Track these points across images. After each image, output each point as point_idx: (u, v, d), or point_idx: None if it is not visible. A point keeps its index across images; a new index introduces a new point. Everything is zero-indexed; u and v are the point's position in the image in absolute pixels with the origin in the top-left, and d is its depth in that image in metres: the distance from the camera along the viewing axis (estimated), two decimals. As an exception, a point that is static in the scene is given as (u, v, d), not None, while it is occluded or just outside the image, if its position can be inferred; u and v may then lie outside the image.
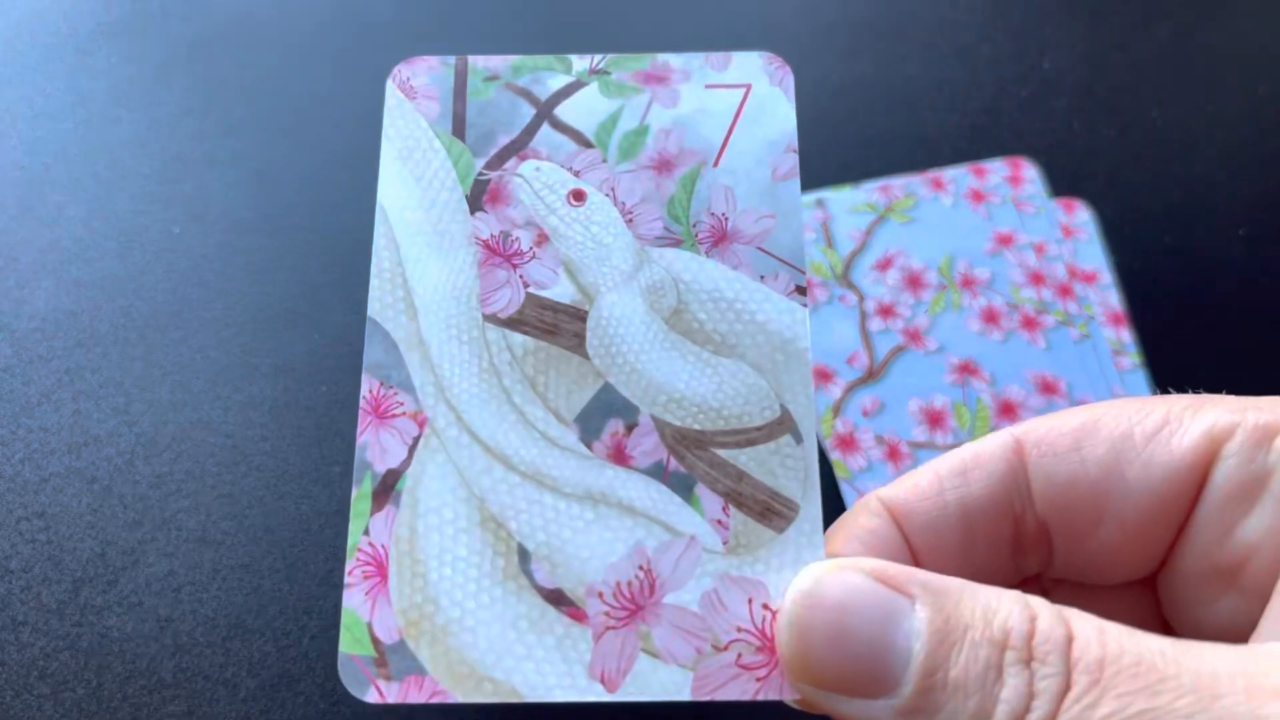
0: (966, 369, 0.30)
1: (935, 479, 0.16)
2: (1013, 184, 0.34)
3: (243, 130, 0.35)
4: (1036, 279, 0.32)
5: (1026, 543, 0.16)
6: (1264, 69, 0.38)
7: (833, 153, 0.35)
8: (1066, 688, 0.12)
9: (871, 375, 0.30)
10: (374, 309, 0.16)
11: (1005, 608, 0.13)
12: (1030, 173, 0.34)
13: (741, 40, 0.38)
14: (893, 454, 0.29)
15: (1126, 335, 0.31)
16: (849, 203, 0.33)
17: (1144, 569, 0.16)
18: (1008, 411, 0.30)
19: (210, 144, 0.35)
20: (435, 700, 0.14)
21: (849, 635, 0.14)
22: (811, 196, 0.34)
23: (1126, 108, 0.37)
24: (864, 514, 0.16)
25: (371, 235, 0.35)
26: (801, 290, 0.16)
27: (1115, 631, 0.13)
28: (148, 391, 0.30)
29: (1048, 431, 0.16)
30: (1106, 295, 0.32)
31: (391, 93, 0.17)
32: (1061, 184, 0.34)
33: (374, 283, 0.16)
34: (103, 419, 0.30)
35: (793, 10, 0.39)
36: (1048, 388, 0.30)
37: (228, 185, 0.34)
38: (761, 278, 0.16)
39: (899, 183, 0.34)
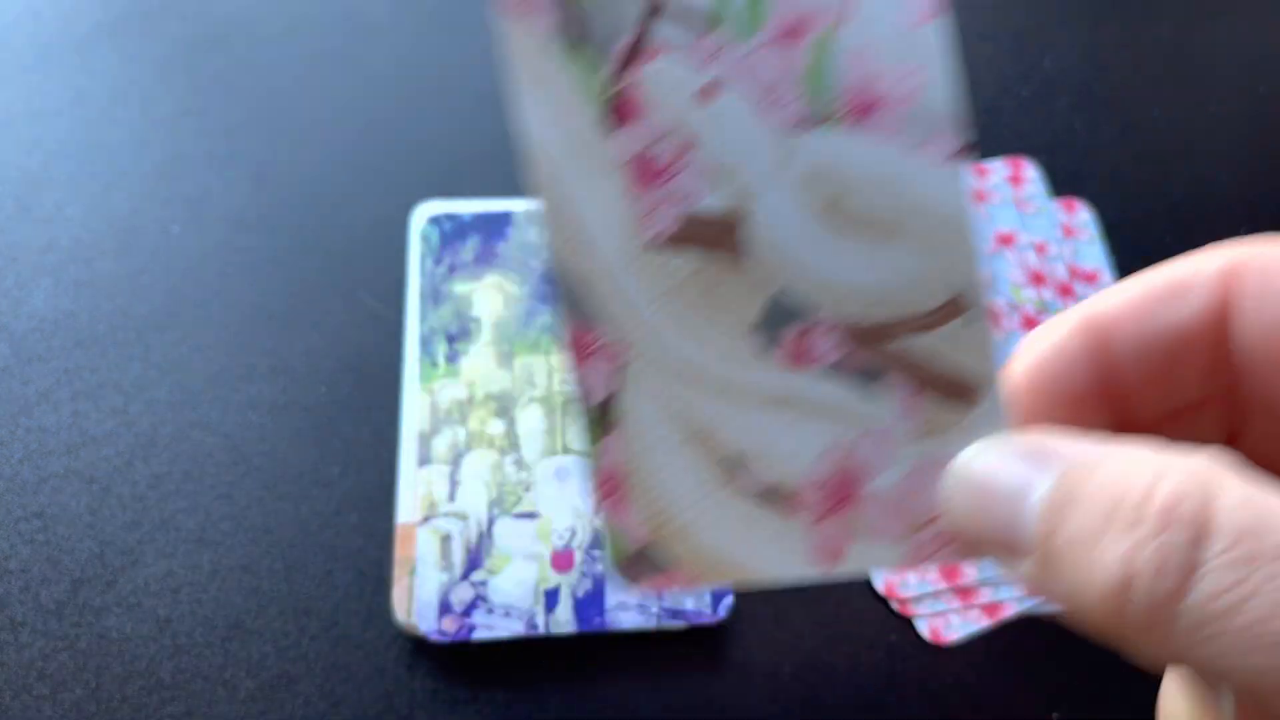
0: None
1: (1147, 299, 0.15)
2: (1013, 184, 0.34)
3: (241, 130, 0.35)
4: (1037, 279, 0.32)
5: (1222, 388, 0.15)
6: (1264, 69, 0.38)
7: (833, 152, 0.35)
8: (1197, 561, 0.11)
9: None
10: (556, 250, 0.16)
11: (1143, 470, 0.12)
12: (1031, 172, 0.34)
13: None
14: None
15: (1127, 335, 0.32)
16: None
17: None
18: None
19: (208, 143, 0.35)
20: (686, 587, 0.16)
21: (986, 510, 0.14)
22: None
23: (1127, 107, 0.37)
24: (1062, 329, 0.15)
25: (369, 235, 0.35)
26: (962, 152, 0.15)
27: (1259, 492, 0.11)
28: (146, 391, 0.30)
29: (1265, 255, 0.14)
30: (1107, 295, 0.32)
31: (501, 17, 0.16)
32: (1062, 184, 0.34)
33: (550, 224, 0.16)
34: (101, 419, 0.30)
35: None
36: None
37: (226, 185, 0.34)
38: (916, 146, 0.15)
39: None
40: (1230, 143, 0.36)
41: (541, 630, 0.26)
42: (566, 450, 0.29)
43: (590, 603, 0.27)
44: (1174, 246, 0.34)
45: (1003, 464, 0.14)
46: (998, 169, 0.34)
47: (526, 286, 0.31)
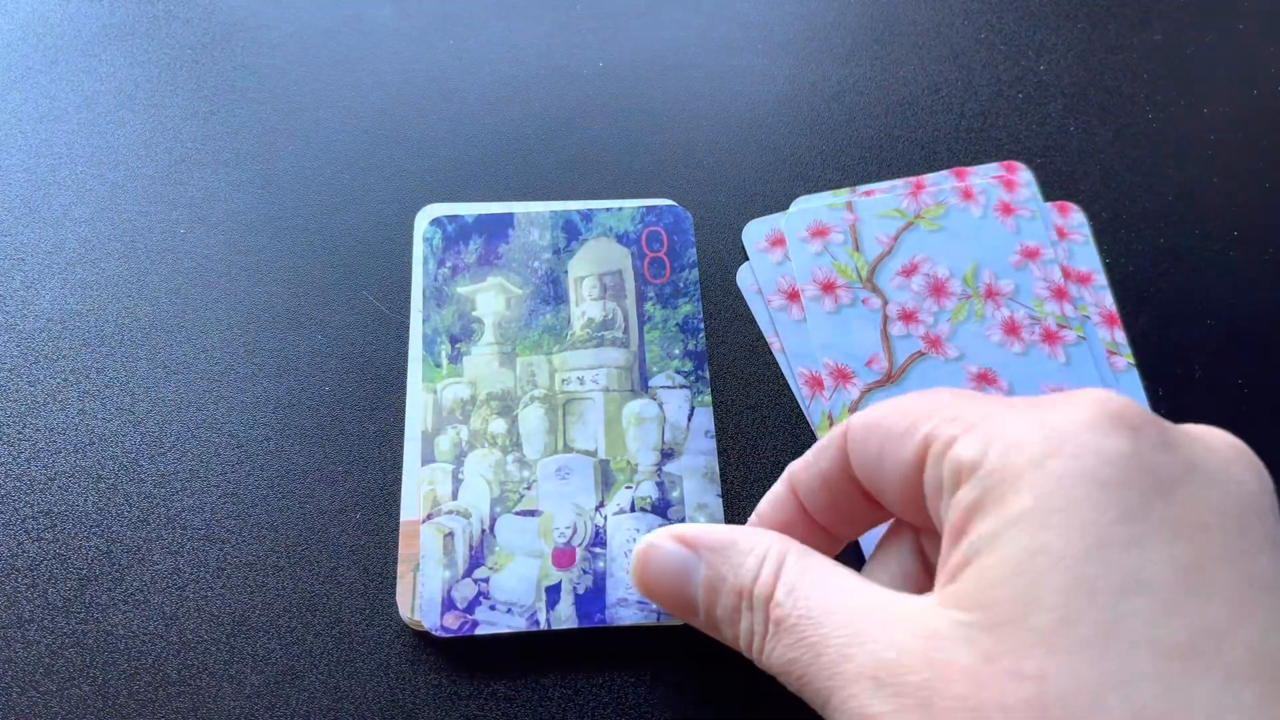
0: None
1: (809, 454, 0.23)
2: (1006, 187, 0.34)
3: (247, 132, 0.35)
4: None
5: (868, 497, 0.22)
6: (1258, 72, 0.38)
7: (829, 155, 0.36)
8: (767, 622, 0.19)
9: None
10: None
11: (750, 563, 0.20)
12: (1024, 175, 0.35)
13: (741, 42, 0.38)
14: None
15: (1120, 335, 0.32)
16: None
17: (921, 522, 0.21)
18: None
19: (215, 146, 0.35)
20: None
21: (661, 583, 0.22)
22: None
23: (1122, 110, 0.37)
24: (778, 482, 0.23)
25: (373, 236, 0.35)
26: None
27: (806, 584, 0.19)
28: (153, 391, 0.31)
29: (860, 423, 0.21)
30: (1101, 296, 0.32)
31: None
32: (1056, 187, 0.35)
33: None
34: (108, 418, 0.30)
35: (789, 13, 0.39)
36: None
37: (233, 186, 0.34)
38: None
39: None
40: (1223, 145, 0.36)
41: (543, 626, 0.26)
42: (568, 449, 0.29)
43: (591, 599, 0.27)
44: (1167, 249, 0.34)
45: (667, 549, 0.22)
46: (991, 172, 0.35)
47: (529, 287, 0.31)
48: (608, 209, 0.32)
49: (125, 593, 0.28)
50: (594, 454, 0.29)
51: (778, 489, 0.23)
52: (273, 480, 0.29)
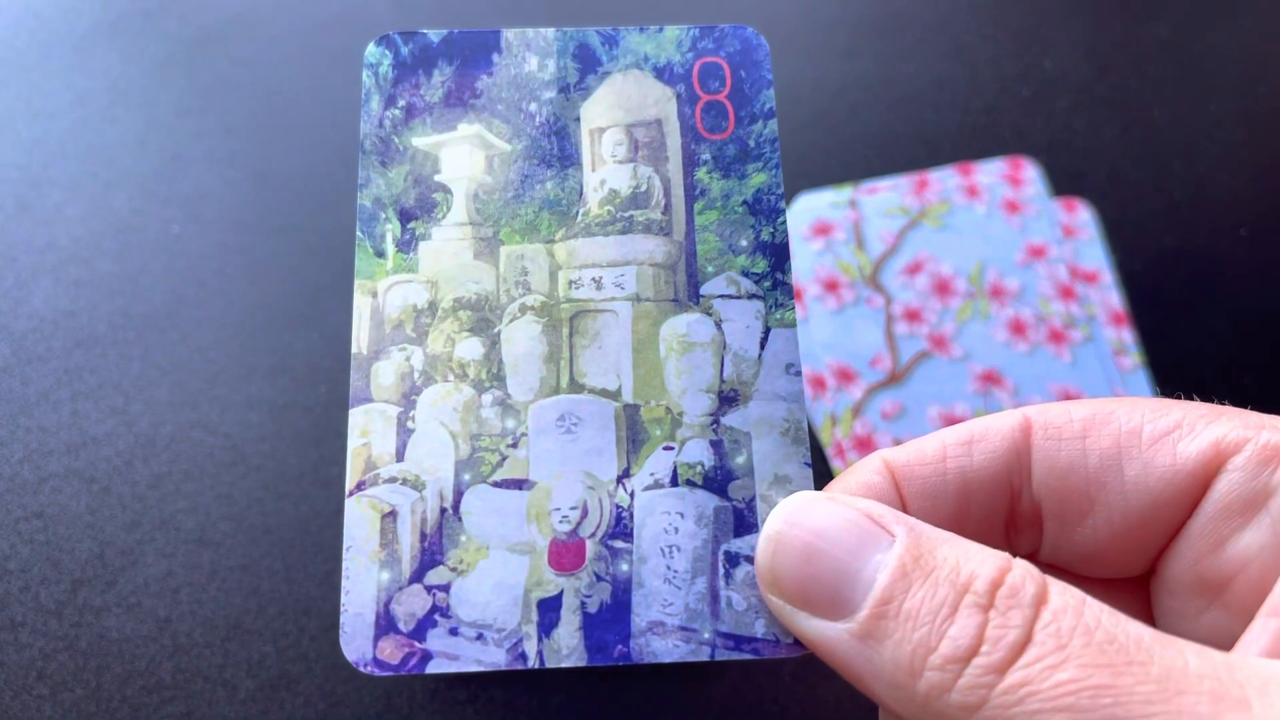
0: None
1: (940, 446, 0.16)
2: (1013, 184, 0.34)
3: (241, 130, 0.35)
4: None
5: (1021, 522, 0.17)
6: (1265, 68, 0.38)
7: (833, 151, 0.35)
8: (1026, 641, 0.12)
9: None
10: None
11: (980, 557, 0.13)
12: (1031, 172, 0.34)
13: (741, 39, 0.38)
14: None
15: (1128, 335, 0.31)
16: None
17: (1131, 569, 0.16)
18: None
19: (209, 143, 0.35)
20: None
21: (819, 556, 0.15)
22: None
23: (1128, 107, 0.37)
24: (865, 471, 0.17)
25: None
26: None
27: (1097, 607, 0.13)
28: (146, 392, 0.30)
29: (1058, 415, 0.16)
30: (1107, 295, 0.32)
31: None
32: (1062, 183, 0.34)
33: None
34: (101, 419, 0.30)
35: (794, 8, 0.39)
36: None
37: (226, 185, 0.34)
38: None
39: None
40: (1230, 142, 0.36)
41: (532, 662, 0.18)
42: (576, 386, 0.19)
43: (608, 621, 0.18)
44: (1174, 246, 0.34)
45: (844, 516, 0.15)
46: (997, 169, 0.34)
47: (521, 141, 0.21)
48: (643, 29, 0.22)
49: (118, 596, 0.27)
50: (616, 396, 0.19)
51: (870, 478, 0.16)
52: (267, 482, 0.29)
